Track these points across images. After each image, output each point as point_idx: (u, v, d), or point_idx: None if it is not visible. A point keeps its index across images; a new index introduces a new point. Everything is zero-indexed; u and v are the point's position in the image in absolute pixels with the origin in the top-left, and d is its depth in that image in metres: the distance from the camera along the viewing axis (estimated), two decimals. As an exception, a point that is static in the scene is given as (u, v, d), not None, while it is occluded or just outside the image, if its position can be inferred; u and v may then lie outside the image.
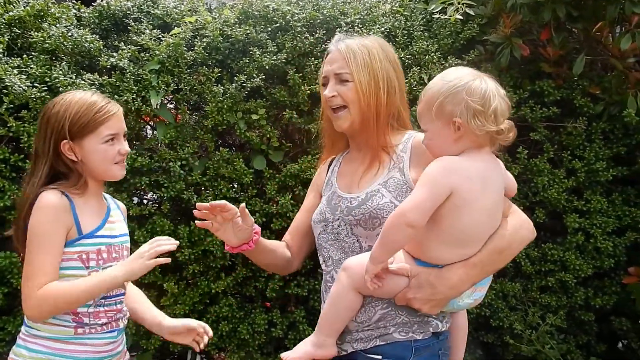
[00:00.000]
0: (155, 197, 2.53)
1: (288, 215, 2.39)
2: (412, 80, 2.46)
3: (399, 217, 1.38)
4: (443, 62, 2.56)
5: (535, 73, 2.72)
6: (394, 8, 2.83)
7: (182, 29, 2.46)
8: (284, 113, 2.47)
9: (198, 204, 1.57)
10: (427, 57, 2.57)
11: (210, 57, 2.47)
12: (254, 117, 2.44)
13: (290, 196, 2.42)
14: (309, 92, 2.44)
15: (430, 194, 1.37)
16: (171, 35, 2.43)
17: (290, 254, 1.79)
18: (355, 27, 2.56)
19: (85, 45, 2.41)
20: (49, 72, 2.33)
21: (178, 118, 2.49)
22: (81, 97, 1.57)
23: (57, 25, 2.48)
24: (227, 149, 2.47)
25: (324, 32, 2.52)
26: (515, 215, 1.52)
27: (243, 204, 1.59)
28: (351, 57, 1.60)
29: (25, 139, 2.25)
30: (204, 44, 2.43)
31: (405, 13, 2.81)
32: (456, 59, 2.56)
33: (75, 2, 2.70)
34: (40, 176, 1.54)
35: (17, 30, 2.50)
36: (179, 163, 2.38)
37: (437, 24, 2.70)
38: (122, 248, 1.63)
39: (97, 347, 1.55)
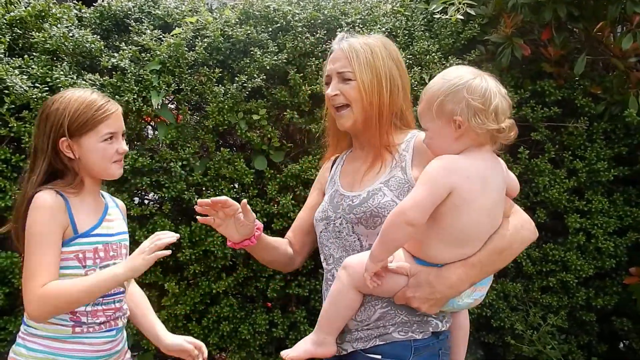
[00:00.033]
0: (156, 198, 2.53)
1: (289, 215, 2.39)
2: (413, 81, 2.46)
3: (398, 216, 1.38)
4: (444, 62, 2.55)
5: (536, 73, 2.72)
6: (395, 8, 2.83)
7: (183, 29, 2.46)
8: (285, 113, 2.47)
9: (199, 200, 1.57)
10: (428, 57, 2.57)
11: (211, 58, 2.48)
12: (255, 117, 2.44)
13: (291, 196, 2.42)
14: (309, 92, 2.45)
15: (430, 193, 1.37)
16: (172, 36, 2.43)
17: (292, 251, 1.80)
18: (356, 27, 2.56)
19: (87, 45, 2.41)
20: (50, 72, 2.33)
21: (179, 118, 2.49)
22: (81, 95, 1.58)
23: (58, 25, 2.48)
24: (228, 149, 2.47)
25: (325, 32, 2.52)
26: (517, 215, 1.52)
27: (244, 200, 1.60)
28: (353, 55, 1.60)
29: (27, 140, 2.25)
30: (205, 44, 2.43)
31: (406, 13, 2.81)
32: (457, 59, 2.56)
33: (76, 2, 2.70)
34: (38, 173, 1.54)
35: (18, 31, 2.51)
36: (180, 163, 2.38)
37: (438, 24, 2.70)
38: (121, 246, 1.63)
39: (95, 346, 1.55)
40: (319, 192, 1.80)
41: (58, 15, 2.56)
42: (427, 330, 1.49)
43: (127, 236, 1.69)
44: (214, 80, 2.43)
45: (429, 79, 2.30)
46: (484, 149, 1.42)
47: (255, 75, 2.41)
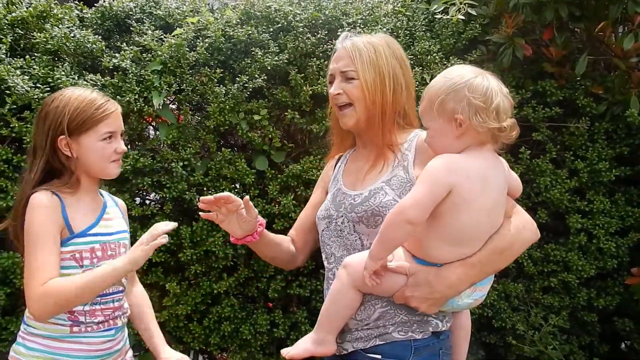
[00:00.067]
0: (158, 198, 2.53)
1: (290, 215, 2.39)
2: (414, 81, 2.46)
3: (398, 214, 1.38)
4: (445, 63, 2.55)
5: (538, 73, 2.71)
6: (396, 8, 2.83)
7: (184, 29, 2.46)
8: (286, 113, 2.47)
9: (202, 197, 1.58)
10: (429, 57, 2.57)
11: (212, 58, 2.48)
12: (256, 117, 2.44)
13: (292, 197, 2.42)
14: (310, 92, 2.45)
15: (430, 192, 1.36)
16: (173, 36, 2.44)
17: (294, 249, 1.80)
18: (357, 28, 2.56)
19: (88, 46, 2.41)
20: (51, 72, 2.34)
21: (180, 119, 2.50)
22: (80, 93, 1.58)
23: (60, 26, 2.49)
24: (229, 150, 2.47)
25: (326, 32, 2.52)
26: (519, 216, 1.51)
27: (247, 197, 1.60)
28: (356, 54, 1.60)
29: (28, 140, 2.26)
30: (206, 44, 2.43)
31: (408, 13, 2.82)
32: (458, 59, 2.56)
33: (77, 3, 2.71)
34: (36, 171, 1.54)
35: (19, 31, 2.51)
36: (181, 163, 2.38)
37: (439, 24, 2.70)
38: (119, 245, 1.62)
39: (93, 346, 1.55)
40: (322, 190, 1.80)
41: (59, 15, 2.57)
42: (427, 330, 1.49)
43: (127, 235, 1.68)
44: (215, 80, 2.43)
45: (430, 79, 2.30)
46: (485, 148, 1.41)
47: (256, 75, 2.41)
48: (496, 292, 2.59)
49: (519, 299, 2.68)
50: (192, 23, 2.50)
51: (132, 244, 1.70)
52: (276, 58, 2.42)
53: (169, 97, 2.47)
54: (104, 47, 2.44)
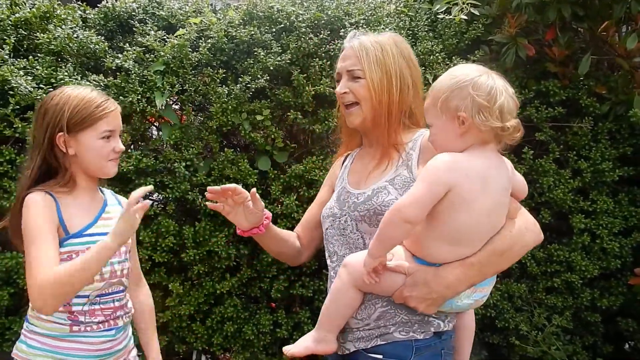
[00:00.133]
0: (160, 198, 2.53)
1: (293, 215, 2.39)
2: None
3: (396, 213, 1.38)
4: (448, 63, 2.55)
5: (541, 73, 2.71)
6: (399, 8, 2.83)
7: (186, 30, 2.46)
8: (289, 114, 2.47)
9: (209, 187, 1.60)
10: (431, 57, 2.57)
11: (215, 58, 2.48)
12: (259, 117, 2.44)
13: (295, 197, 2.42)
14: (313, 92, 2.44)
15: (429, 190, 1.36)
16: (176, 37, 2.44)
17: (300, 246, 1.82)
18: (360, 28, 2.55)
19: (91, 46, 2.42)
20: (54, 73, 2.34)
21: (183, 119, 2.50)
22: (80, 91, 1.58)
23: (63, 26, 2.49)
24: (232, 150, 2.47)
25: (329, 32, 2.52)
26: (522, 217, 1.50)
27: (254, 189, 1.61)
28: (363, 54, 1.60)
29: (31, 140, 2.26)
30: (209, 45, 2.44)
31: (410, 13, 2.81)
32: (461, 59, 2.56)
33: (80, 3, 2.71)
34: (32, 167, 1.55)
35: (23, 32, 2.52)
36: (184, 164, 2.38)
37: (442, 24, 2.70)
38: None
39: (93, 345, 1.55)
40: (329, 188, 1.81)
41: (62, 16, 2.57)
42: (429, 330, 1.49)
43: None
44: (218, 80, 2.43)
45: (433, 80, 2.30)
46: (488, 147, 1.41)
47: (259, 75, 2.42)
48: (499, 293, 2.59)
49: (522, 299, 2.67)
50: (195, 23, 2.50)
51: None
52: (279, 58, 2.42)
53: (171, 98, 2.47)
54: (106, 48, 2.45)
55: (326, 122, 2.45)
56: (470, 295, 1.47)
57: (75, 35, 2.44)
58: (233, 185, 1.60)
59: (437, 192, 1.36)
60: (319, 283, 2.47)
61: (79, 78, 2.34)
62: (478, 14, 2.59)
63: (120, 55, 2.41)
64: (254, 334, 2.47)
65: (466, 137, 1.40)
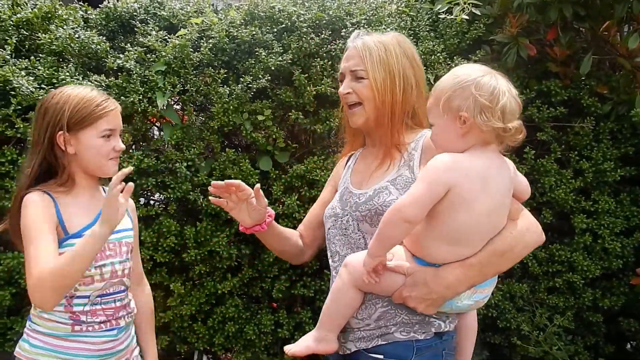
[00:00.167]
0: (162, 198, 2.54)
1: (294, 215, 2.39)
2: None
3: (395, 212, 1.38)
4: (449, 63, 2.55)
5: (542, 73, 2.71)
6: (400, 8, 2.83)
7: (188, 30, 2.46)
8: (290, 114, 2.47)
9: (213, 182, 1.60)
10: (433, 57, 2.56)
11: (216, 58, 2.48)
12: (260, 118, 2.44)
13: (296, 197, 2.42)
14: (314, 92, 2.44)
15: (428, 190, 1.36)
16: (177, 37, 2.44)
17: (302, 244, 1.82)
18: (361, 28, 2.55)
19: (92, 46, 2.42)
20: (56, 73, 2.34)
21: (184, 119, 2.50)
22: (81, 90, 1.58)
23: (65, 27, 2.49)
24: (233, 150, 2.47)
25: (330, 32, 2.52)
26: (524, 218, 1.49)
27: (258, 185, 1.62)
28: (367, 54, 1.60)
29: (33, 140, 2.27)
30: (210, 45, 2.44)
31: (411, 13, 2.81)
32: (462, 59, 2.56)
33: (82, 4, 2.72)
34: (32, 166, 1.55)
35: (24, 32, 2.52)
36: (185, 164, 2.39)
37: (443, 24, 2.70)
38: (120, 244, 1.62)
39: (95, 345, 1.55)
40: (332, 188, 1.82)
41: (64, 16, 2.57)
42: (430, 330, 1.48)
43: (130, 233, 1.67)
44: (219, 81, 2.43)
45: (434, 80, 2.30)
46: (489, 148, 1.40)
47: (260, 75, 2.42)
48: (501, 293, 2.59)
49: (524, 299, 2.67)
50: (196, 24, 2.50)
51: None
52: (280, 58, 2.42)
53: (173, 98, 2.47)
54: (108, 48, 2.45)
55: (327, 122, 2.45)
56: (470, 296, 1.47)
57: (76, 36, 2.44)
58: (237, 181, 1.61)
59: (436, 192, 1.36)
60: (320, 283, 2.47)
61: (81, 78, 2.34)
62: (479, 13, 2.59)
63: (121, 56, 2.41)
64: (256, 334, 2.47)
65: (468, 137, 1.39)
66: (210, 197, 1.66)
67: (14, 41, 2.42)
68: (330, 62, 2.47)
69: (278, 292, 2.46)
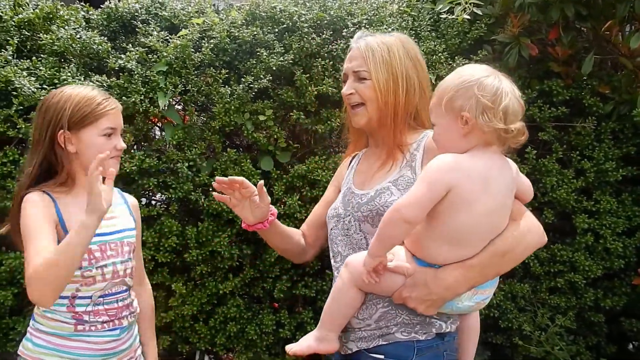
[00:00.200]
0: (163, 198, 2.54)
1: (295, 216, 2.39)
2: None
3: (395, 213, 1.37)
4: (450, 62, 2.55)
5: (544, 72, 2.70)
6: (401, 8, 2.83)
7: (189, 30, 2.47)
8: (291, 114, 2.47)
9: (217, 177, 1.61)
10: (434, 57, 2.56)
11: (218, 59, 2.48)
12: (261, 118, 2.45)
13: (297, 197, 2.43)
14: (316, 92, 2.44)
15: (428, 190, 1.36)
16: (179, 37, 2.44)
17: (305, 244, 1.83)
18: (363, 28, 2.55)
19: (94, 47, 2.42)
20: (57, 73, 2.35)
21: (186, 119, 2.50)
22: (82, 90, 1.59)
23: (66, 27, 2.50)
24: (235, 150, 2.47)
25: (331, 32, 2.52)
26: (526, 219, 1.49)
27: (261, 182, 1.63)
28: (369, 55, 1.60)
29: (35, 141, 2.27)
30: (211, 45, 2.44)
31: (413, 13, 2.81)
32: (464, 59, 2.55)
33: (83, 4, 2.72)
34: (33, 165, 1.55)
35: (26, 33, 2.52)
36: (187, 164, 2.39)
37: (445, 24, 2.70)
38: (122, 244, 1.62)
39: (98, 345, 1.56)
40: (335, 188, 1.82)
41: (66, 17, 2.58)
42: (431, 331, 1.48)
43: (132, 233, 1.68)
44: (221, 81, 2.43)
45: (436, 80, 2.30)
46: (491, 149, 1.40)
47: (261, 76, 2.42)
48: (502, 293, 2.59)
49: (526, 299, 2.67)
50: (198, 24, 2.50)
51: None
52: (281, 58, 2.42)
53: (174, 98, 2.47)
54: (109, 48, 2.45)
55: (329, 122, 2.45)
56: (471, 298, 1.46)
57: (78, 36, 2.45)
58: (240, 178, 1.62)
59: (437, 192, 1.36)
60: (322, 283, 2.47)
61: (82, 79, 2.34)
62: (481, 13, 2.58)
63: (123, 56, 2.42)
64: (257, 334, 2.47)
65: (469, 137, 1.39)
66: (213, 193, 1.67)
67: (16, 41, 2.43)
68: (331, 62, 2.47)
69: (279, 292, 2.46)
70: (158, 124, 2.57)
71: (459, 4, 2.54)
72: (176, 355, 2.71)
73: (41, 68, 2.36)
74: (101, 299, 1.56)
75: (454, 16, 2.57)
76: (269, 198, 1.67)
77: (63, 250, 1.40)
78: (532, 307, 2.68)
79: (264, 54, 2.42)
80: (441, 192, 1.36)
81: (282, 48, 2.46)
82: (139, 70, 2.38)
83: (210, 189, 2.44)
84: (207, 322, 2.48)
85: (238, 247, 2.42)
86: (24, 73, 2.32)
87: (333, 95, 2.42)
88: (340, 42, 2.50)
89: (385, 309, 1.50)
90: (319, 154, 2.49)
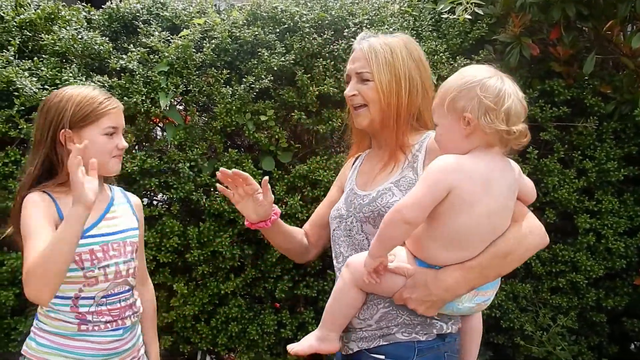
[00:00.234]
0: (165, 198, 2.54)
1: (297, 216, 2.39)
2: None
3: (395, 213, 1.37)
4: (452, 62, 2.54)
5: (545, 72, 2.70)
6: (403, 8, 2.83)
7: (190, 30, 2.47)
8: (293, 114, 2.47)
9: (221, 168, 1.62)
10: (435, 57, 2.56)
11: (219, 59, 2.48)
12: (263, 118, 2.45)
13: (299, 197, 2.43)
14: (317, 93, 2.44)
15: (429, 191, 1.35)
16: (180, 37, 2.44)
17: (307, 243, 1.83)
18: (364, 28, 2.55)
19: (95, 47, 2.42)
20: (59, 74, 2.35)
21: (187, 119, 2.50)
22: (83, 89, 1.60)
23: (68, 27, 2.50)
24: (236, 150, 2.47)
25: (332, 33, 2.52)
26: (527, 220, 1.48)
27: (266, 178, 1.63)
28: (372, 56, 1.60)
29: (36, 141, 2.27)
30: (213, 45, 2.44)
31: (414, 13, 2.81)
32: (465, 59, 2.55)
33: (85, 5, 2.72)
34: (35, 165, 1.55)
35: (28, 33, 2.53)
36: (188, 164, 2.39)
37: (446, 24, 2.70)
38: (124, 244, 1.62)
39: (101, 345, 1.56)
40: (339, 189, 1.82)
41: (67, 17, 2.58)
42: (432, 332, 1.48)
43: (134, 232, 1.68)
44: (222, 81, 2.43)
45: (437, 80, 2.30)
46: (493, 150, 1.40)
47: (262, 76, 2.42)
48: (504, 293, 2.58)
49: (527, 299, 2.66)
50: (199, 24, 2.51)
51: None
52: (282, 59, 2.43)
53: (175, 98, 2.47)
54: (111, 49, 2.45)
55: (330, 122, 2.45)
56: (472, 299, 1.46)
57: (79, 37, 2.45)
58: (245, 173, 1.61)
59: (438, 193, 1.35)
60: (323, 283, 2.47)
61: (84, 79, 2.35)
62: (482, 13, 2.58)
63: (124, 56, 2.42)
64: (259, 334, 2.47)
65: (471, 138, 1.39)
66: (217, 185, 1.67)
67: (17, 42, 2.43)
68: (332, 62, 2.47)
69: (281, 292, 2.46)
70: (159, 124, 2.57)
71: (460, 3, 2.54)
72: (178, 356, 2.71)
73: (43, 68, 2.36)
74: (104, 299, 1.56)
75: (455, 16, 2.57)
76: (272, 196, 1.67)
77: (55, 243, 1.38)
78: (534, 307, 2.67)
79: (265, 54, 2.42)
80: (442, 193, 1.35)
81: (283, 48, 2.47)
82: (141, 70, 2.38)
83: (212, 189, 2.44)
84: (209, 322, 2.48)
85: (239, 247, 2.42)
86: (26, 73, 2.33)
87: (334, 96, 2.42)
88: (342, 42, 2.50)
89: (386, 309, 1.50)
90: (320, 154, 2.49)
